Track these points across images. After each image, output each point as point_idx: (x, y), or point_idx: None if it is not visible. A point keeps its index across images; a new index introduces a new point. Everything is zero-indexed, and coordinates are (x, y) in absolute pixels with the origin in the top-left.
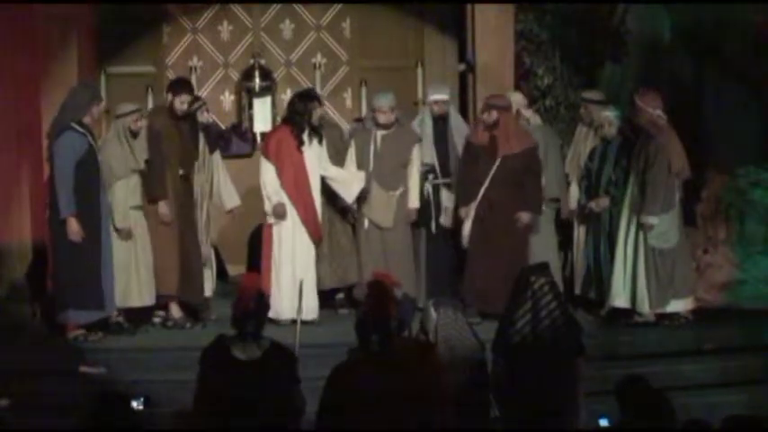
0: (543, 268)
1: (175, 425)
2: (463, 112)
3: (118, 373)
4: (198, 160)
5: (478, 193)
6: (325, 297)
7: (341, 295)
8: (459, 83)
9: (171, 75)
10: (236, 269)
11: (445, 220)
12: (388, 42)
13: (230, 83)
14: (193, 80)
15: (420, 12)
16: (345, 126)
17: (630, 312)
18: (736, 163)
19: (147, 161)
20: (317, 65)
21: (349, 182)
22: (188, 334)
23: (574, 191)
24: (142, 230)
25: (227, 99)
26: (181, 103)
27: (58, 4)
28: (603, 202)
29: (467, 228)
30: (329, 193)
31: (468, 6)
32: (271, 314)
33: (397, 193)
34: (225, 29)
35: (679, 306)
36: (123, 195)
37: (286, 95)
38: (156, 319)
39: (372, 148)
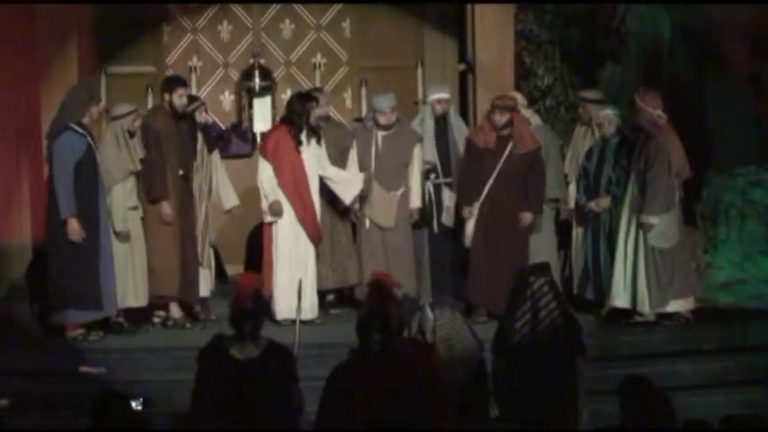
0: (543, 268)
1: (174, 425)
2: (463, 112)
3: (118, 373)
4: (196, 160)
5: (481, 192)
6: (324, 297)
7: (332, 296)
8: (459, 83)
9: (171, 75)
10: (235, 269)
11: (447, 219)
12: (388, 42)
13: (230, 83)
14: (193, 80)
15: (420, 12)
16: (348, 125)
17: (631, 312)
18: (736, 163)
19: (141, 160)
20: (317, 65)
21: (347, 183)
22: (188, 334)
23: (573, 191)
24: (138, 231)
25: (227, 99)
26: (179, 97)
27: (57, 4)
28: (605, 201)
29: (469, 227)
30: (330, 194)
31: (468, 6)
32: (269, 314)
33: (399, 193)
34: (225, 29)
35: (679, 306)
36: (122, 198)
37: (286, 95)
38: (156, 319)
39: (373, 148)
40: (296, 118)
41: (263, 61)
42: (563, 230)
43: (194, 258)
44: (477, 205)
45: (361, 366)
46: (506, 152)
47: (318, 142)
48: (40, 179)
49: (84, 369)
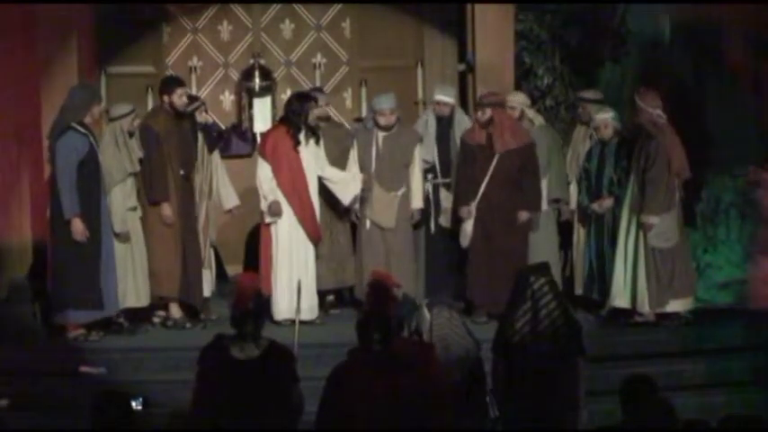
0: (543, 268)
1: (174, 425)
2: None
3: (118, 373)
4: (197, 160)
5: (477, 192)
6: (324, 297)
7: (331, 297)
8: (459, 83)
9: (167, 74)
10: (235, 269)
11: (444, 220)
12: (388, 42)
13: (230, 83)
14: (193, 80)
15: (420, 12)
16: (348, 125)
17: (631, 312)
18: (736, 163)
19: (140, 161)
20: (317, 65)
21: (346, 183)
22: (188, 334)
23: (574, 191)
24: (137, 231)
25: (227, 99)
26: (179, 97)
27: (57, 4)
28: (607, 202)
29: (468, 228)
30: (329, 194)
31: (468, 6)
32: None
33: (399, 193)
34: (225, 29)
35: (679, 306)
36: (121, 199)
37: (286, 95)
38: (156, 319)
39: (374, 148)
40: (294, 118)
41: (263, 61)
42: (564, 231)
43: (197, 259)
44: (474, 205)
45: (361, 366)
46: (496, 150)
47: (317, 142)
48: (40, 179)
49: (84, 369)
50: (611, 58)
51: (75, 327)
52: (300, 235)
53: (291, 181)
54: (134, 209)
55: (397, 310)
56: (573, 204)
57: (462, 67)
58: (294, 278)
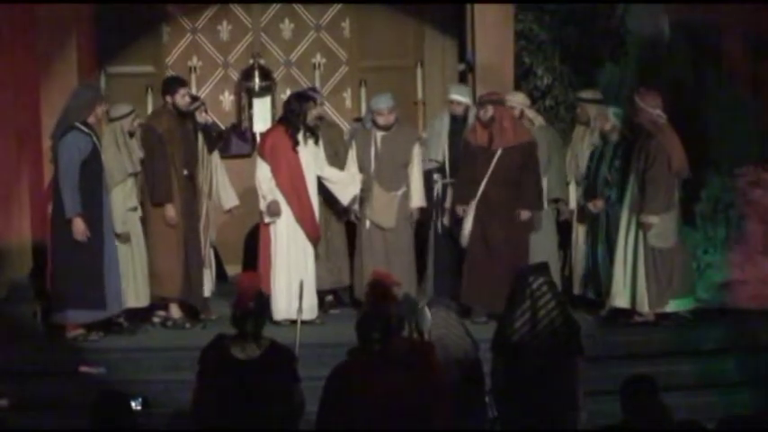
0: (542, 268)
1: (174, 425)
2: None
3: (118, 373)
4: (199, 160)
5: (477, 191)
6: (322, 297)
7: (330, 297)
8: (460, 83)
9: (171, 75)
10: (234, 269)
11: (449, 221)
12: (387, 42)
13: (230, 83)
14: (193, 80)
15: (420, 12)
16: (346, 126)
17: (630, 312)
18: (736, 163)
19: (141, 160)
20: (317, 65)
21: (345, 184)
22: (188, 334)
23: (573, 191)
24: (137, 232)
25: (227, 99)
26: (182, 97)
27: (57, 4)
28: (599, 203)
29: (467, 227)
30: (327, 194)
31: (468, 6)
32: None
33: (399, 193)
34: (224, 29)
35: (678, 306)
36: (121, 199)
37: (286, 95)
38: (156, 319)
39: (373, 148)
40: (293, 118)
41: (262, 61)
42: (563, 230)
43: (199, 259)
44: (473, 204)
45: (361, 366)
46: (496, 148)
47: (316, 142)
48: (40, 179)
49: (84, 369)
50: (610, 58)
51: (74, 326)
52: (299, 235)
53: (290, 181)
54: (134, 209)
55: (398, 310)
56: (572, 204)
57: (462, 67)
58: (293, 278)
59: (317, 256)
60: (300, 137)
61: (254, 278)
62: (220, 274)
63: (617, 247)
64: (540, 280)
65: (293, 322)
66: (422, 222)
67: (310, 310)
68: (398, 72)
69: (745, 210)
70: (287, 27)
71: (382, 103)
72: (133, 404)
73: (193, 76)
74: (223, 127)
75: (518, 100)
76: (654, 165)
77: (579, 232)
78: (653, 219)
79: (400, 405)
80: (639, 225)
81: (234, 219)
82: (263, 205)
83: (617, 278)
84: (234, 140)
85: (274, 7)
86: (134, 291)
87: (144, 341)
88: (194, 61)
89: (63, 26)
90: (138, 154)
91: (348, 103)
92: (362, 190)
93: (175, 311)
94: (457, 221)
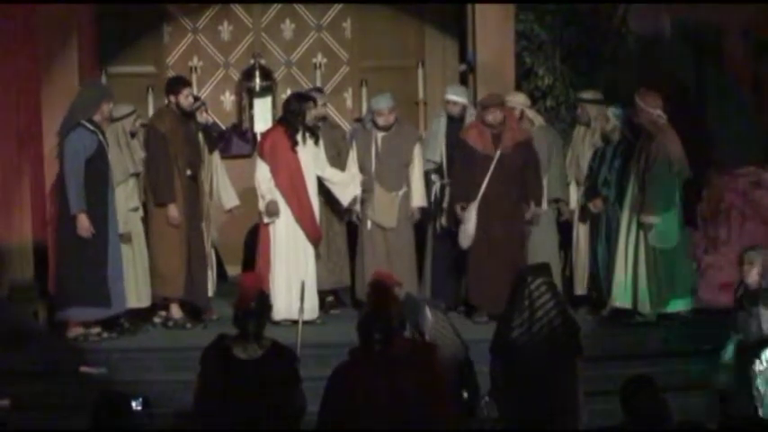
0: (543, 268)
1: (175, 425)
2: None
3: (118, 373)
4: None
5: (477, 193)
6: (323, 298)
7: (331, 297)
8: (460, 83)
9: (171, 75)
10: (234, 269)
11: (445, 220)
12: (388, 42)
13: (231, 83)
14: (194, 80)
15: (420, 12)
16: (347, 126)
17: (631, 312)
18: (736, 163)
19: (143, 161)
20: (318, 65)
21: (345, 184)
22: (188, 334)
23: (573, 192)
24: (139, 232)
25: (228, 99)
26: (186, 97)
27: (57, 4)
28: (598, 203)
29: (470, 228)
30: (327, 194)
31: (469, 6)
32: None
33: (400, 193)
34: (225, 29)
35: (679, 306)
36: (123, 200)
37: (286, 95)
38: (157, 319)
39: (373, 148)
40: (292, 118)
41: (263, 61)
42: (564, 231)
43: (202, 259)
44: (474, 205)
45: (362, 366)
46: (499, 150)
47: (316, 143)
48: (41, 179)
49: (84, 369)
50: (611, 58)
51: (76, 325)
52: (299, 235)
53: (290, 181)
54: (135, 209)
55: (399, 310)
56: (573, 204)
57: (463, 67)
58: (292, 278)
59: (317, 257)
60: (300, 137)
61: (255, 278)
62: (220, 274)
63: (618, 247)
64: (539, 280)
65: (294, 322)
66: (420, 223)
67: (311, 310)
68: (399, 72)
69: (745, 210)
70: (288, 27)
71: (382, 103)
72: (133, 404)
73: (194, 77)
74: (224, 127)
75: (518, 100)
76: (654, 165)
77: (580, 232)
78: (654, 219)
79: (401, 405)
80: (640, 225)
81: (234, 219)
82: (261, 205)
83: (617, 278)
84: (234, 140)
85: (275, 7)
86: (135, 291)
87: (144, 341)
88: (195, 61)
89: (64, 26)
90: (140, 154)
91: (349, 103)
92: (364, 190)
93: (176, 312)
94: (455, 222)
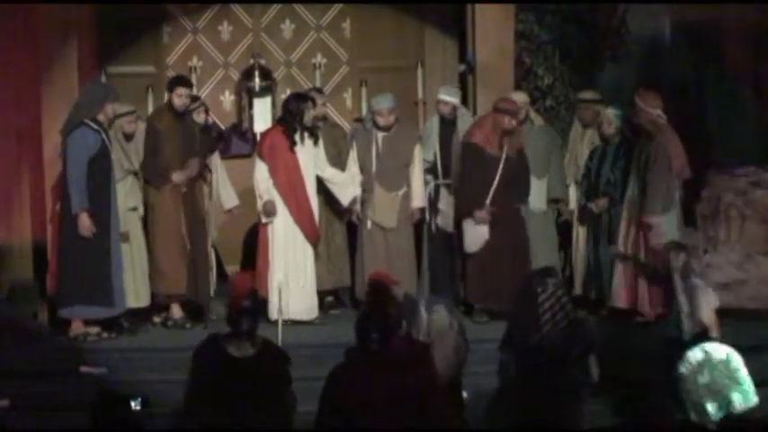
0: (550, 270)
1: (174, 425)
2: None
3: (118, 373)
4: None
5: (487, 195)
6: (322, 298)
7: (330, 298)
8: (460, 83)
9: (171, 75)
10: (234, 269)
11: (442, 221)
12: (388, 42)
13: (230, 83)
14: (193, 80)
15: (420, 12)
16: (347, 126)
17: (631, 312)
18: (736, 163)
19: (144, 162)
20: (317, 65)
21: (344, 185)
22: (188, 334)
23: (572, 192)
24: (137, 232)
25: (227, 99)
26: (178, 96)
27: (57, 4)
28: (602, 203)
29: (483, 231)
30: (327, 194)
31: (469, 6)
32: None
33: (400, 193)
34: (225, 29)
35: None
36: (122, 198)
37: (286, 96)
38: (157, 319)
39: (374, 149)
40: (290, 118)
41: (263, 61)
42: (563, 231)
43: (204, 259)
44: (487, 208)
45: (360, 366)
46: (505, 153)
47: (316, 143)
48: (40, 179)
49: (84, 369)
50: (611, 58)
51: (77, 323)
52: (297, 235)
53: (288, 181)
54: (134, 209)
55: (398, 310)
56: (572, 204)
57: (462, 67)
58: (290, 278)
59: (317, 257)
60: (299, 137)
61: (248, 277)
62: (220, 274)
63: (618, 246)
64: (548, 281)
65: (294, 322)
66: (416, 223)
67: (310, 310)
68: (399, 72)
69: (745, 210)
70: (287, 27)
71: (383, 103)
72: (133, 404)
73: (194, 77)
74: (223, 127)
75: (521, 99)
76: (655, 165)
77: (579, 232)
78: (654, 219)
79: (399, 405)
80: (640, 225)
81: (234, 219)
82: (259, 205)
83: (617, 278)
84: (234, 140)
85: (275, 7)
86: (134, 291)
87: (144, 341)
88: (195, 61)
89: (63, 26)
90: (137, 153)
91: (348, 103)
92: (364, 190)
93: (176, 311)
94: (457, 224)
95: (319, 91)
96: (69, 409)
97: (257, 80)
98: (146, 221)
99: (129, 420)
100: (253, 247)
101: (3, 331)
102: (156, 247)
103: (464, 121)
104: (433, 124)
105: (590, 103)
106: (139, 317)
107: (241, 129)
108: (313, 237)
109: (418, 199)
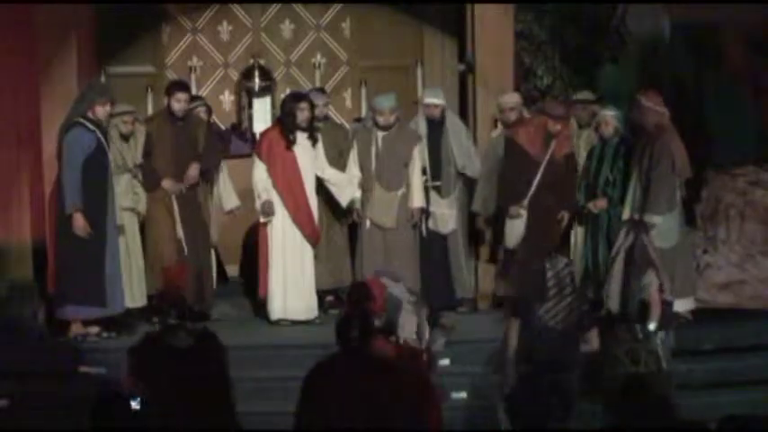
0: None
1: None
2: (462, 112)
3: (118, 373)
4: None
5: (527, 193)
6: (322, 297)
7: (330, 297)
8: (459, 83)
9: (171, 75)
10: (234, 269)
11: (432, 223)
12: (387, 42)
13: (230, 83)
14: (193, 80)
15: (420, 12)
16: (347, 126)
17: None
18: (736, 163)
19: (141, 164)
20: (317, 65)
21: (343, 185)
22: None
23: None
24: (133, 232)
25: (227, 99)
26: (177, 101)
27: (57, 4)
28: (601, 203)
29: (519, 227)
30: (327, 194)
31: (468, 6)
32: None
33: (400, 193)
34: (225, 29)
35: (679, 306)
36: (117, 194)
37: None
38: (155, 319)
39: (374, 148)
40: (285, 118)
41: (262, 61)
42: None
43: (205, 257)
44: (525, 204)
45: (339, 365)
46: (548, 156)
47: (314, 143)
48: (40, 179)
49: (84, 369)
50: (611, 58)
51: (76, 323)
52: (296, 235)
53: (287, 181)
54: (130, 209)
55: (382, 311)
56: None
57: (462, 67)
58: (288, 278)
59: (317, 256)
60: (296, 137)
61: (175, 272)
62: (220, 274)
63: (617, 246)
64: (563, 260)
65: (294, 322)
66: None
67: (310, 310)
68: (398, 72)
69: (744, 210)
70: (287, 27)
71: (384, 102)
72: (133, 404)
73: (193, 77)
74: (223, 127)
75: (515, 100)
76: (659, 165)
77: (578, 233)
78: (656, 219)
79: (378, 406)
80: (640, 224)
81: (234, 219)
82: (257, 204)
83: (614, 279)
84: (234, 140)
85: (274, 7)
86: (129, 291)
87: None
88: (194, 61)
89: (63, 27)
90: (135, 153)
91: (348, 103)
92: (363, 190)
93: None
94: (498, 220)
95: (321, 91)
96: (69, 409)
97: (257, 80)
98: (144, 223)
99: (128, 420)
100: (253, 247)
101: (2, 331)
102: (149, 249)
103: (452, 121)
104: (419, 127)
105: (586, 103)
106: (139, 317)
107: (241, 129)
108: (313, 237)
109: (417, 200)
